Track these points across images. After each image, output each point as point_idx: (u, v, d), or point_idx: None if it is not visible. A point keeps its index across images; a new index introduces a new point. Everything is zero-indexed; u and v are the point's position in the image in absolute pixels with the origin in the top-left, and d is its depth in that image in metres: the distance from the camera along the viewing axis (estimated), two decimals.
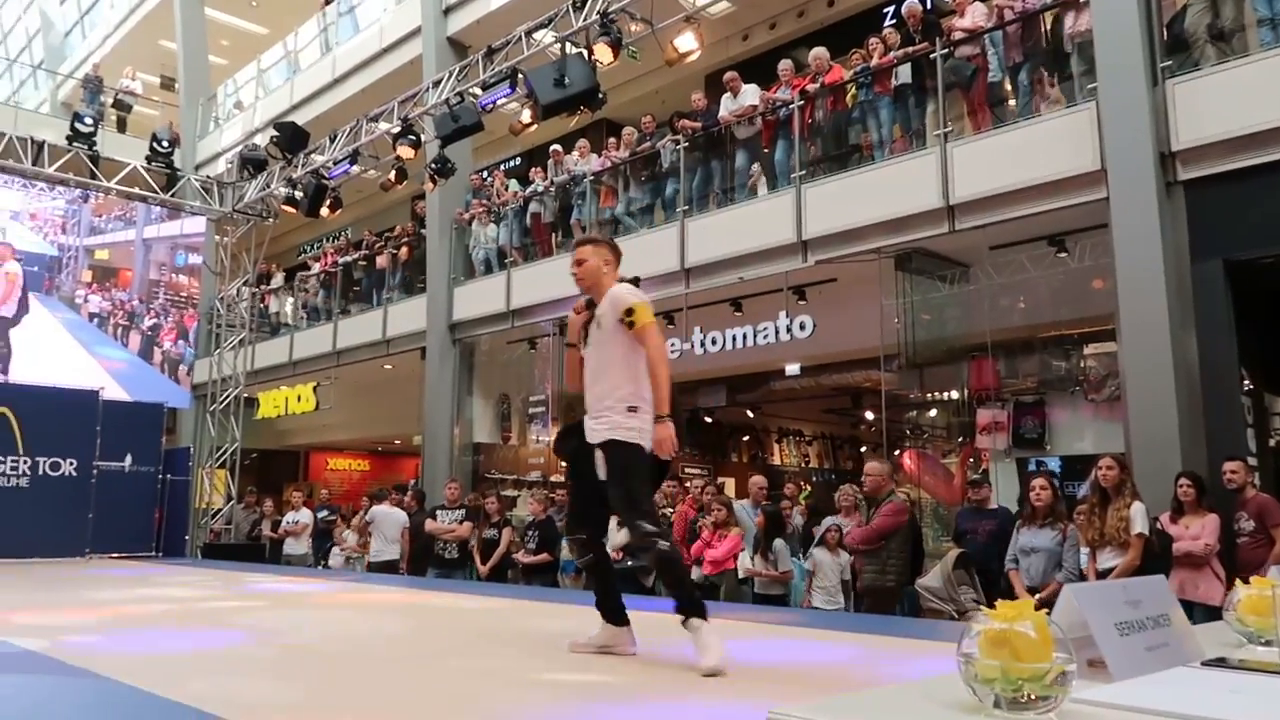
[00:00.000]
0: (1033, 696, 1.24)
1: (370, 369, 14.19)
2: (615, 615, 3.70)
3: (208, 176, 14.02)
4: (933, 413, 9.26)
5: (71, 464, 9.88)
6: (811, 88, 9.35)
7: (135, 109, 18.69)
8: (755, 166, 9.71)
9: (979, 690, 1.28)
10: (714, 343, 9.97)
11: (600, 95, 8.60)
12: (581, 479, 3.71)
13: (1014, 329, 8.39)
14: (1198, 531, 5.49)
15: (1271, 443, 7.09)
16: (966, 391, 8.76)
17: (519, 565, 8.72)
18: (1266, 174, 6.35)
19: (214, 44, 19.68)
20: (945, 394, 9.05)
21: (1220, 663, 1.64)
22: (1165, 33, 7.09)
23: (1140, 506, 5.48)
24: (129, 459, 10.46)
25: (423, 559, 9.17)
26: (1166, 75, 6.86)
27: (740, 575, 6.91)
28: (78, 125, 11.88)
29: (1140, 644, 1.54)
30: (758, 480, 7.65)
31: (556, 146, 12.22)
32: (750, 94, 9.90)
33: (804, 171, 9.07)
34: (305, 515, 10.87)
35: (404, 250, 13.87)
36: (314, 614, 5.45)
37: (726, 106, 10.06)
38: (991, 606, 1.35)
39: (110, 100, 17.94)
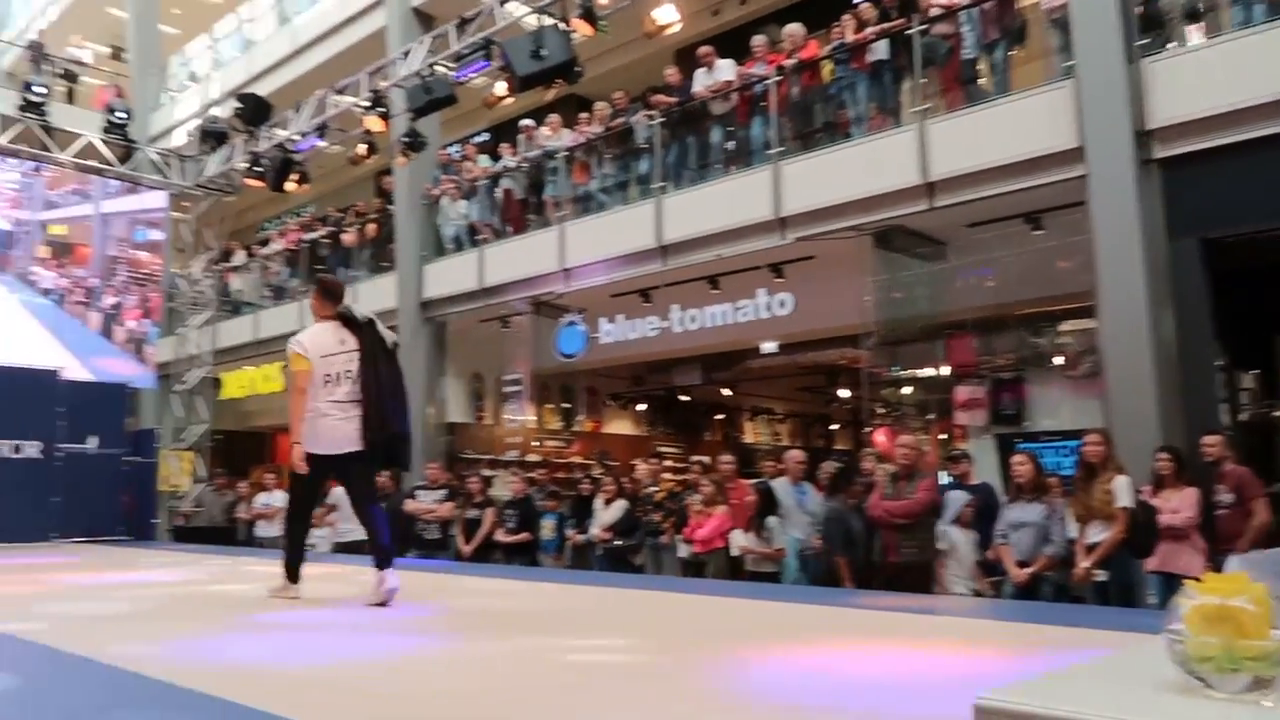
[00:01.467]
0: (1258, 676, 1.15)
1: None
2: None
3: (166, 150, 13.64)
4: (908, 389, 9.34)
5: (34, 446, 9.62)
6: (787, 63, 9.31)
7: (83, 80, 18.09)
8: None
9: (1195, 669, 1.19)
10: (692, 320, 9.96)
11: (577, 68, 8.49)
12: None
13: (991, 306, 8.46)
14: (1177, 505, 5.61)
15: (1243, 417, 7.25)
16: (944, 369, 8.84)
17: (498, 545, 8.69)
18: (1242, 152, 6.45)
19: (165, 13, 19.07)
20: (922, 371, 9.13)
21: None
22: (1142, 10, 7.16)
23: (1124, 480, 5.59)
24: (94, 441, 10.21)
25: (402, 540, 9.08)
26: (1142, 54, 6.93)
27: (733, 553, 6.93)
28: (28, 95, 11.48)
29: None
30: (795, 455, 7.47)
31: (527, 121, 12.06)
32: (725, 69, 9.84)
33: (782, 148, 9.05)
34: (278, 498, 10.69)
35: (370, 227, 13.62)
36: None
37: (701, 82, 9.99)
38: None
39: (59, 70, 17.32)
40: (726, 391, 16.22)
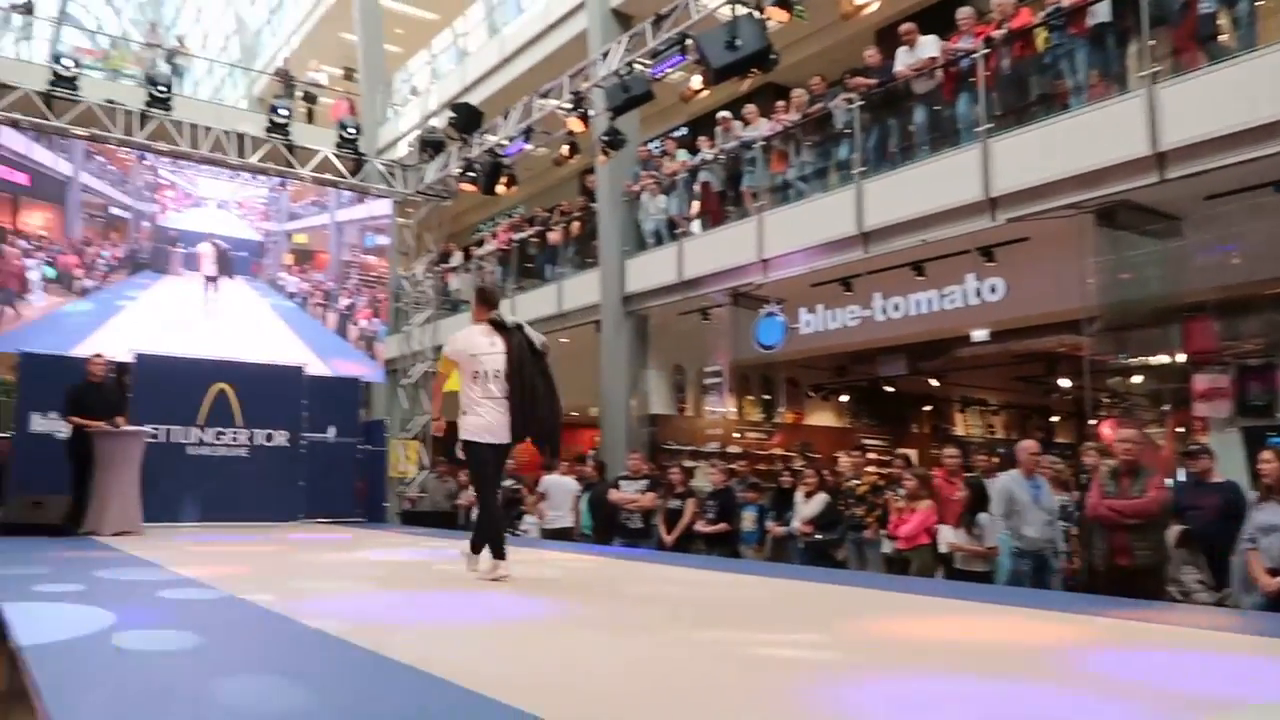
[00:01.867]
0: None
1: (547, 342, 14.53)
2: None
3: (390, 161, 14.68)
4: (1138, 378, 8.61)
5: (284, 435, 10.65)
6: (997, 34, 8.80)
7: (320, 99, 19.80)
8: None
9: None
10: (896, 309, 9.62)
11: (772, 56, 8.38)
12: None
13: (1236, 285, 7.66)
14: None
15: None
16: (1179, 355, 8.08)
17: (700, 535, 8.77)
18: None
19: (389, 33, 20.52)
20: (1154, 358, 8.38)
21: None
22: None
23: None
24: (332, 430, 11.18)
25: (607, 529, 9.36)
26: None
27: (941, 549, 6.66)
28: (273, 117, 12.67)
29: None
30: (1028, 445, 6.72)
31: (724, 113, 12.06)
32: (929, 45, 9.44)
33: (990, 125, 8.57)
34: None
35: (575, 225, 14.10)
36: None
37: (902, 60, 9.63)
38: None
39: (300, 93, 19.05)
40: (934, 382, 15.57)
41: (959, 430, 16.90)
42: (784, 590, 5.33)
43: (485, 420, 5.11)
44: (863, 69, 10.18)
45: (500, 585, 5.01)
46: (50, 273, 11.33)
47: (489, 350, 5.18)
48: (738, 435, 12.89)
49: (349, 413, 11.62)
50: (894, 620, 4.32)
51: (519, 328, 5.30)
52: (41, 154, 11.39)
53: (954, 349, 11.60)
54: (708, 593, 5.30)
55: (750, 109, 11.60)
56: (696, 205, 11.91)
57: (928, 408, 16.91)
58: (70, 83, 11.24)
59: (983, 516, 6.52)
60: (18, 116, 10.98)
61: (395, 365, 14.44)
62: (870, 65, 10.12)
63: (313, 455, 10.81)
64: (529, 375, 5.17)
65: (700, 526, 8.75)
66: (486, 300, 5.44)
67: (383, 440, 12.09)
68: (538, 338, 5.33)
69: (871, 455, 10.27)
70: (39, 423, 9.44)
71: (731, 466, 9.97)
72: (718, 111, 12.34)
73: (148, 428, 9.17)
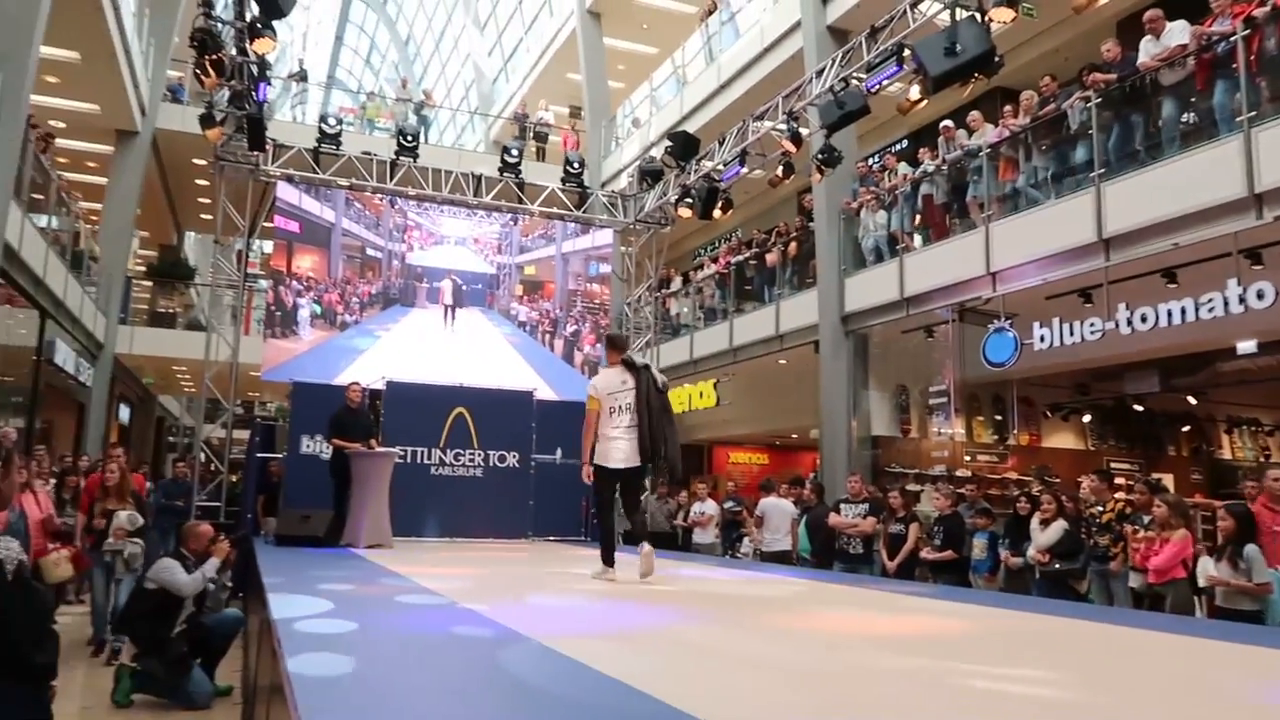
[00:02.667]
0: None
1: (766, 364, 14.52)
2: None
3: (613, 192, 15.23)
4: None
5: (514, 456, 11.24)
6: (1260, 13, 7.93)
7: (549, 137, 20.91)
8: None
9: None
10: (1143, 320, 8.82)
11: (997, 58, 7.98)
12: None
13: None
14: None
15: None
16: None
17: (926, 562, 8.40)
18: None
19: (612, 70, 21.38)
20: None
21: None
22: None
23: None
24: (559, 452, 11.66)
25: (827, 553, 9.16)
26: None
27: (1201, 584, 6.01)
28: (506, 157, 13.50)
29: None
30: None
31: (947, 122, 11.61)
32: (1177, 32, 8.66)
33: (1253, 113, 7.72)
34: (711, 507, 11.37)
35: (793, 245, 14.01)
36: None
37: (1147, 51, 8.89)
38: None
39: (530, 132, 20.23)
40: (1192, 399, 14.09)
41: (1225, 454, 15.17)
42: (1018, 622, 4.99)
43: (617, 448, 6.04)
44: (1101, 64, 9.49)
45: (712, 605, 5.04)
46: (317, 309, 12.63)
47: (621, 388, 6.09)
48: (967, 458, 12.24)
49: (575, 435, 12.05)
50: (1147, 660, 3.94)
51: (645, 368, 6.19)
52: (310, 204, 12.75)
53: (1215, 363, 10.47)
54: (930, 620, 5.06)
55: (974, 116, 11.11)
56: (918, 219, 11.52)
57: (1186, 428, 15.31)
58: (334, 139, 12.51)
59: (1250, 549, 5.82)
60: (292, 172, 12.36)
61: None
62: (1109, 60, 9.41)
63: (541, 476, 11.32)
64: (655, 407, 6.04)
65: (926, 553, 8.38)
66: (617, 346, 6.52)
67: None
68: (660, 378, 6.25)
69: (1120, 480, 9.43)
70: (307, 445, 10.51)
71: (960, 491, 9.49)
72: (940, 121, 11.90)
73: (396, 449, 9.96)
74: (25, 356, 12.80)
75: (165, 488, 13.25)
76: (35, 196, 12.01)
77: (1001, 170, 10.45)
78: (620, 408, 6.05)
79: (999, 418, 13.67)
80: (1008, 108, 10.71)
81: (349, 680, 2.88)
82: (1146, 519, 6.46)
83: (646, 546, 5.93)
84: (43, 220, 12.44)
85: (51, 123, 15.71)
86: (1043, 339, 9.83)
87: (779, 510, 9.85)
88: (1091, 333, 9.30)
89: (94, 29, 13.38)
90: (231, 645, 6.79)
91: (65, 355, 14.24)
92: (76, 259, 14.51)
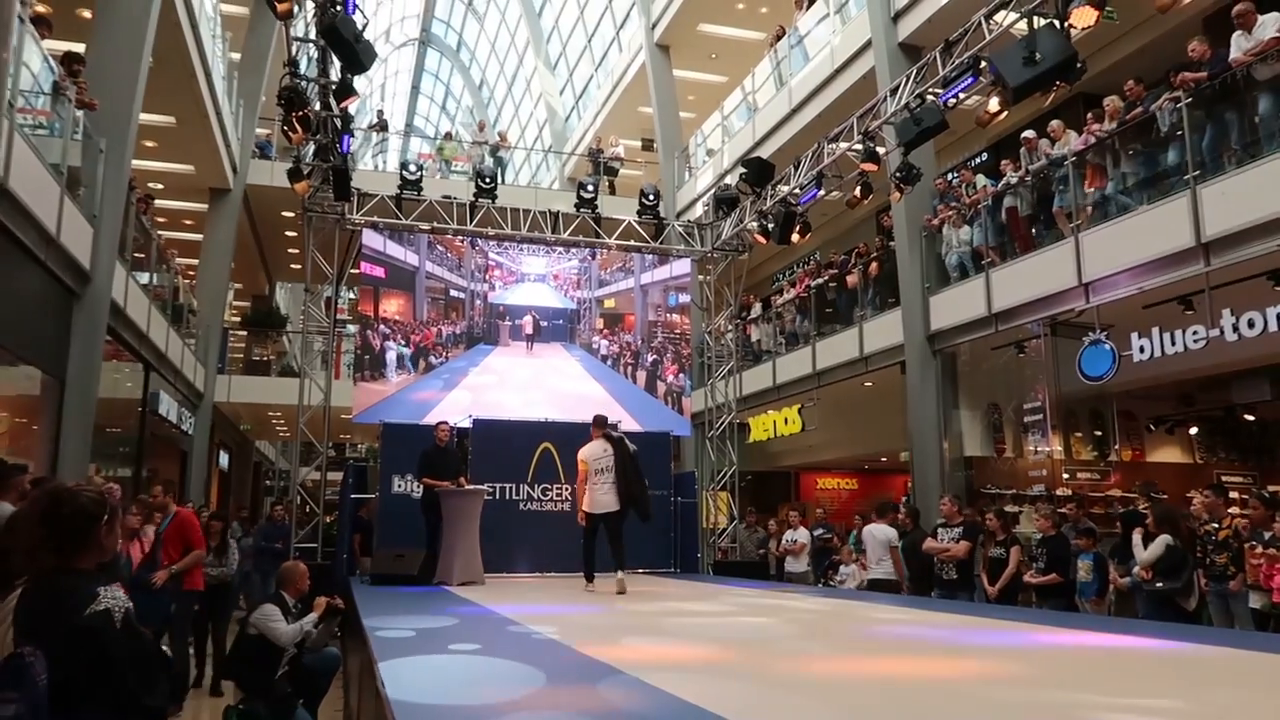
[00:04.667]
0: None
1: (850, 387, 14.29)
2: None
3: (688, 221, 15.27)
4: None
5: None
6: None
7: (621, 172, 21.10)
8: None
9: None
10: (1250, 326, 8.39)
11: (1079, 64, 7.77)
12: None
13: None
14: None
15: None
16: None
17: (1029, 586, 8.08)
18: None
19: (682, 100, 21.52)
20: None
21: None
22: None
23: None
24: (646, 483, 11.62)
25: (924, 578, 8.91)
26: None
27: None
28: (582, 193, 13.66)
29: None
30: None
31: (1028, 133, 11.33)
32: (1270, 25, 8.31)
33: None
34: (803, 534, 11.19)
35: (873, 266, 13.81)
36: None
37: (1239, 46, 8.55)
38: None
39: (603, 167, 20.45)
40: None
41: None
42: (1132, 648, 4.75)
43: (601, 498, 8.19)
44: (1188, 63, 9.15)
45: (804, 638, 4.93)
46: (404, 351, 12.92)
47: (603, 454, 8.25)
48: (1066, 476, 11.78)
49: (661, 466, 12.04)
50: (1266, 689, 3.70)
51: (621, 439, 8.38)
52: (394, 249, 13.09)
53: None
54: (1036, 650, 4.85)
55: (1056, 124, 10.82)
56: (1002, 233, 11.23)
57: None
58: (415, 185, 12.84)
59: None
60: (376, 219, 12.72)
61: (701, 418, 14.83)
62: (1196, 58, 9.08)
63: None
64: (629, 468, 8.21)
65: (1029, 577, 8.07)
66: (599, 424, 8.58)
67: (693, 492, 12.39)
68: (631, 446, 8.35)
69: (1234, 495, 8.95)
70: (398, 484, 10.71)
71: (1061, 510, 9.13)
72: (1020, 132, 11.63)
73: (485, 486, 10.06)
74: (132, 408, 13.37)
75: (264, 531, 13.66)
76: (137, 255, 12.59)
77: (1089, 178, 10.13)
78: (603, 469, 8.19)
79: (1099, 433, 13.14)
80: (1091, 114, 10.40)
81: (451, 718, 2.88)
82: (1267, 535, 6.10)
83: (620, 574, 8.01)
84: (145, 277, 13.02)
85: (150, 184, 16.53)
86: (1142, 350, 9.44)
87: (876, 537, 9.61)
88: (1194, 341, 8.90)
89: (188, 94, 14.05)
90: (331, 684, 6.92)
91: (168, 405, 14.84)
92: (177, 313, 15.15)
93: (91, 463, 10.15)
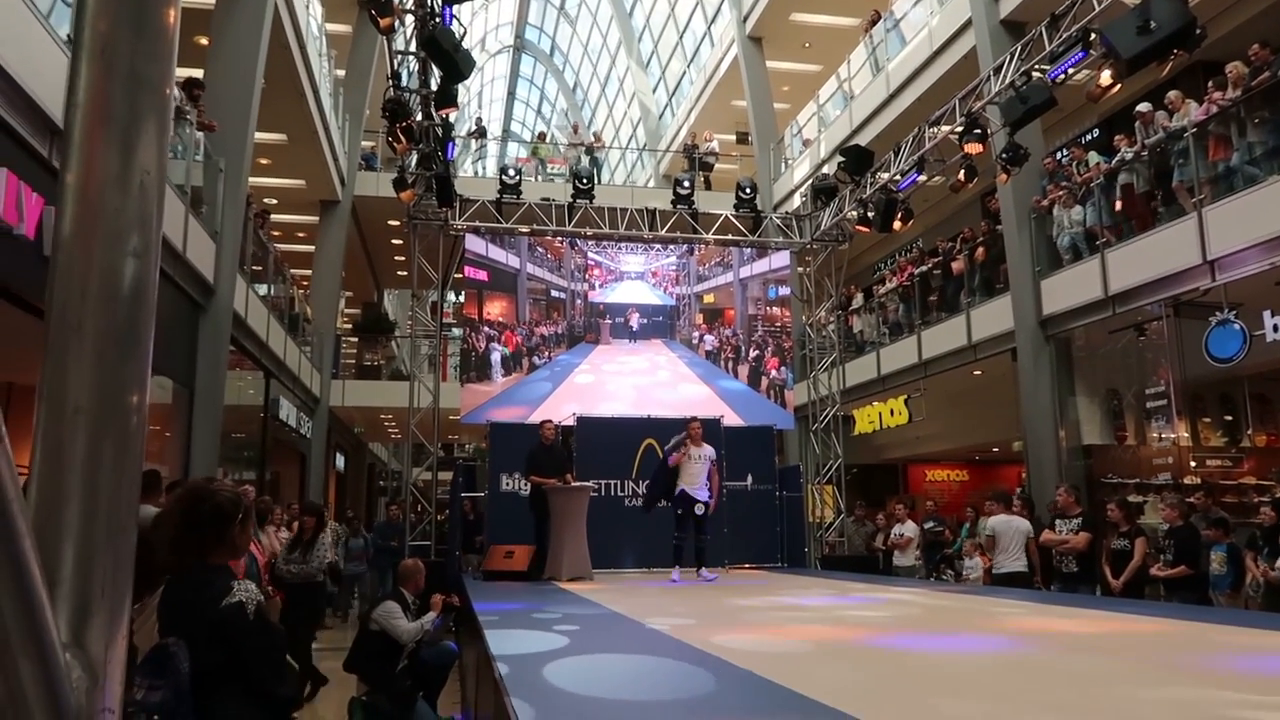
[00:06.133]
0: None
1: (959, 376, 13.91)
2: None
3: (786, 213, 15.13)
4: None
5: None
6: None
7: (716, 166, 21.00)
8: None
9: None
10: None
11: (1198, 30, 7.37)
12: None
13: None
14: None
15: None
16: None
17: (1156, 579, 7.73)
18: None
19: (776, 92, 21.28)
20: None
21: None
22: None
23: None
24: (749, 478, 11.58)
25: (1043, 571, 8.61)
26: None
27: None
28: (678, 190, 13.67)
29: None
30: None
31: (1143, 106, 10.81)
32: None
33: None
34: (910, 528, 10.96)
35: (979, 251, 13.41)
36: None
37: None
38: None
39: (698, 163, 20.40)
40: None
41: None
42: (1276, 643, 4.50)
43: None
44: None
45: (903, 628, 4.83)
46: (507, 352, 13.17)
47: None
48: (1194, 464, 11.18)
49: (765, 460, 11.97)
50: None
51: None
52: (496, 252, 13.37)
53: None
54: (1171, 644, 4.64)
55: (1174, 95, 10.30)
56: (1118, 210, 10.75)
57: None
58: (514, 189, 13.09)
59: None
60: (478, 223, 13.01)
61: (805, 411, 14.66)
62: None
63: (734, 503, 11.26)
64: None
65: (1156, 570, 7.72)
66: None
67: (798, 486, 12.27)
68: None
69: None
70: (506, 482, 10.93)
71: (1190, 500, 8.69)
72: (1134, 105, 11.11)
73: (591, 483, 10.18)
74: (255, 414, 14.01)
75: (380, 529, 14.14)
76: (256, 268, 13.20)
77: (1212, 150, 9.60)
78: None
79: (1229, 418, 12.44)
80: (1213, 82, 9.86)
81: (568, 711, 2.94)
82: None
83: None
84: (263, 289, 13.63)
85: (265, 200, 17.29)
86: (1276, 328, 8.91)
87: (1010, 528, 9.09)
88: None
89: (297, 113, 14.64)
90: (448, 677, 7.12)
91: (288, 410, 15.50)
92: (293, 322, 15.80)
93: (219, 467, 10.69)
